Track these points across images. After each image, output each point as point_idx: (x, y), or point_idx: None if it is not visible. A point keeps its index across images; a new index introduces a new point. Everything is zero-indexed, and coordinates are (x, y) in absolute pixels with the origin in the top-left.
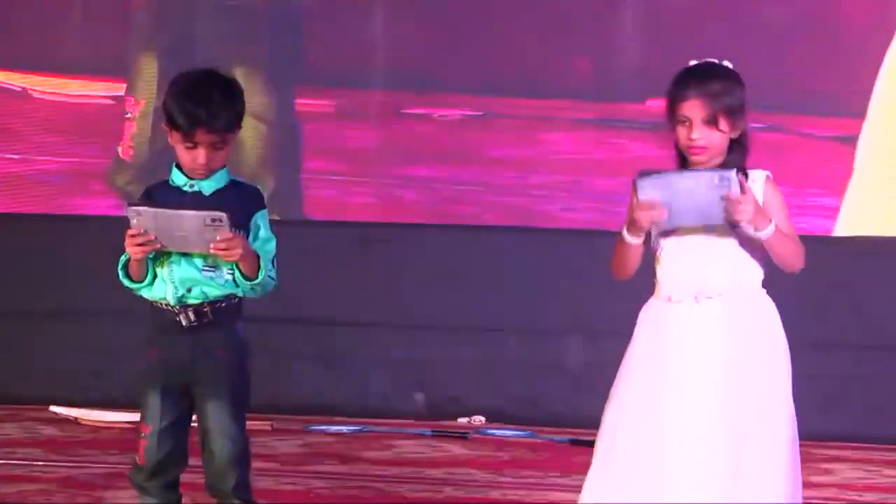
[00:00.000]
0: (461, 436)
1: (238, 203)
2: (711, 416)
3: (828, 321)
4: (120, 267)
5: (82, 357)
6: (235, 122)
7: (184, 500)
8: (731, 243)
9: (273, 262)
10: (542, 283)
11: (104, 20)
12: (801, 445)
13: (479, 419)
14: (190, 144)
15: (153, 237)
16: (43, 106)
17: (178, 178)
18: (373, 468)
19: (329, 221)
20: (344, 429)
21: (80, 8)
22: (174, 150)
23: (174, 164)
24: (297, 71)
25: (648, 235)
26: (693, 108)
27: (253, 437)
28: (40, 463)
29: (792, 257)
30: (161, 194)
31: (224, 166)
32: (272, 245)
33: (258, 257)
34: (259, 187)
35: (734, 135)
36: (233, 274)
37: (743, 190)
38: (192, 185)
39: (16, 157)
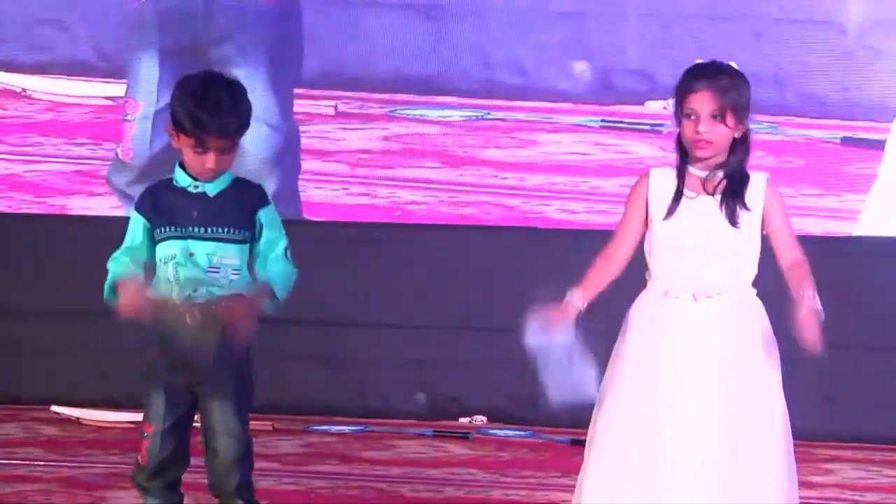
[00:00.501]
0: (462, 436)
1: (241, 202)
2: (710, 416)
3: (828, 321)
4: (108, 287)
5: (83, 357)
6: (244, 126)
7: (185, 501)
8: (730, 243)
9: (287, 254)
10: (543, 284)
11: (105, 21)
12: (801, 445)
13: (480, 419)
14: (200, 150)
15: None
16: (44, 106)
17: (182, 178)
18: (374, 468)
19: (328, 222)
20: (345, 429)
21: (80, 8)
22: (181, 152)
23: (178, 165)
24: (296, 72)
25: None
26: (702, 102)
27: (254, 437)
28: (41, 463)
29: None
30: (165, 195)
31: (230, 168)
32: (283, 242)
33: (266, 285)
34: (262, 185)
35: (738, 134)
36: (237, 275)
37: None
38: (196, 187)
39: (16, 157)
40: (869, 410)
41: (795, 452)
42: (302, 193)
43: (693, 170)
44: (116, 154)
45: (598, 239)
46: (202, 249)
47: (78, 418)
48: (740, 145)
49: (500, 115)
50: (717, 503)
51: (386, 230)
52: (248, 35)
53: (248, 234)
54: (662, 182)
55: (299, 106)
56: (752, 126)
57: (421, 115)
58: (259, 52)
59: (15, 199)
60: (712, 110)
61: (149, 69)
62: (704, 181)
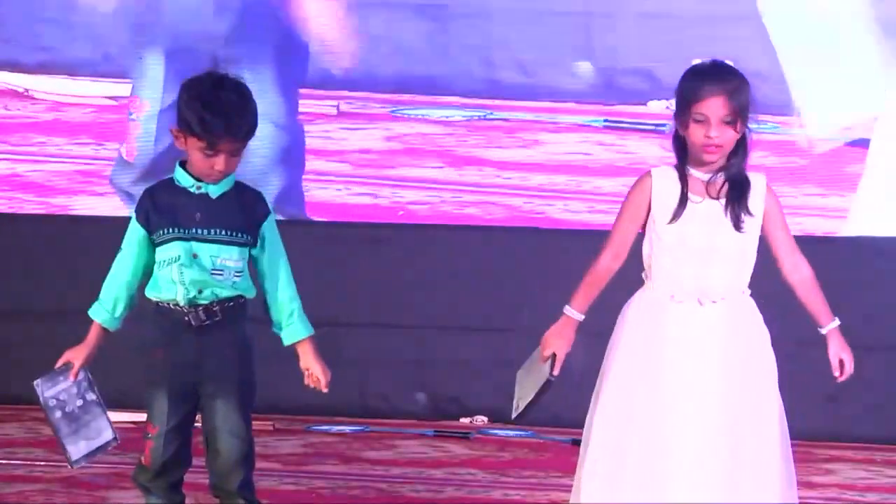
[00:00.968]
0: (463, 436)
1: (244, 206)
2: (710, 416)
3: None
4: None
5: None
6: (254, 128)
7: (186, 501)
8: (733, 246)
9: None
10: (543, 284)
11: (108, 20)
12: (802, 445)
13: (480, 419)
14: (210, 152)
15: None
16: (46, 106)
17: (184, 179)
18: (374, 468)
19: (330, 222)
20: (345, 429)
21: (83, 7)
22: (188, 153)
23: (178, 165)
24: (301, 72)
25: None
26: (713, 107)
27: (254, 437)
28: (42, 463)
29: None
30: (166, 196)
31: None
32: (284, 259)
33: (308, 333)
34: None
35: (739, 135)
36: (240, 277)
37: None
38: (199, 188)
39: (19, 157)
40: (869, 410)
41: (796, 452)
42: (305, 193)
43: (695, 172)
44: (120, 154)
45: (599, 239)
46: (206, 251)
47: None
48: (740, 146)
49: (502, 115)
50: (717, 503)
51: (388, 230)
52: (254, 34)
53: (251, 238)
54: (665, 183)
55: (302, 106)
56: (754, 126)
57: (423, 115)
58: (266, 51)
59: (17, 199)
60: (724, 115)
61: (154, 69)
62: (707, 184)
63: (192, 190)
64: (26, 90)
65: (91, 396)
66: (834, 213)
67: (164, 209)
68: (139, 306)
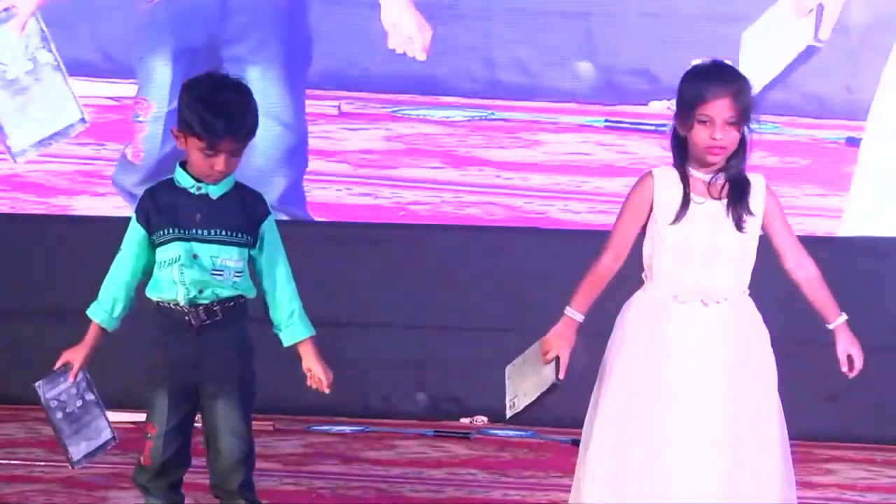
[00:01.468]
0: (463, 436)
1: (244, 206)
2: (711, 417)
3: None
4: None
5: None
6: (255, 128)
7: (186, 501)
8: (735, 247)
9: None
10: (544, 284)
11: (110, 21)
12: (802, 445)
13: (481, 419)
14: (211, 152)
15: None
16: None
17: (184, 179)
18: (374, 468)
19: (331, 222)
20: (345, 429)
21: (85, 7)
22: (188, 154)
23: (178, 165)
24: (306, 71)
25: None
26: (719, 108)
27: (255, 437)
28: (42, 463)
29: None
30: (166, 196)
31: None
32: (284, 259)
33: (309, 334)
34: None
35: (740, 136)
36: (240, 277)
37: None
38: (199, 188)
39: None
40: (870, 410)
41: (796, 452)
42: (306, 193)
43: (695, 173)
44: (124, 155)
45: (600, 239)
46: (206, 251)
47: None
48: (739, 147)
49: (503, 115)
50: (717, 503)
51: (388, 230)
52: (260, 34)
53: (250, 238)
54: (667, 184)
55: (307, 106)
56: (755, 126)
57: (424, 116)
58: (272, 50)
59: (18, 199)
60: (730, 117)
61: (161, 70)
62: (709, 185)
63: (192, 190)
64: None
65: (90, 396)
66: (834, 213)
67: (165, 210)
68: (139, 306)
